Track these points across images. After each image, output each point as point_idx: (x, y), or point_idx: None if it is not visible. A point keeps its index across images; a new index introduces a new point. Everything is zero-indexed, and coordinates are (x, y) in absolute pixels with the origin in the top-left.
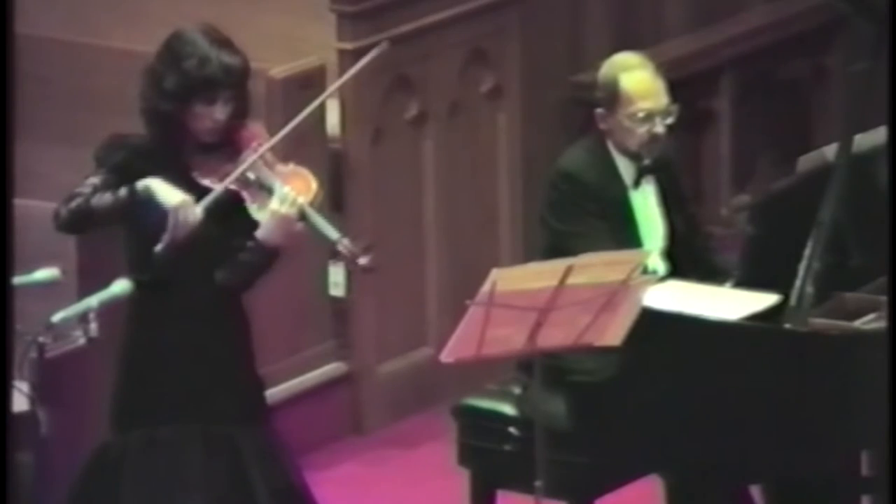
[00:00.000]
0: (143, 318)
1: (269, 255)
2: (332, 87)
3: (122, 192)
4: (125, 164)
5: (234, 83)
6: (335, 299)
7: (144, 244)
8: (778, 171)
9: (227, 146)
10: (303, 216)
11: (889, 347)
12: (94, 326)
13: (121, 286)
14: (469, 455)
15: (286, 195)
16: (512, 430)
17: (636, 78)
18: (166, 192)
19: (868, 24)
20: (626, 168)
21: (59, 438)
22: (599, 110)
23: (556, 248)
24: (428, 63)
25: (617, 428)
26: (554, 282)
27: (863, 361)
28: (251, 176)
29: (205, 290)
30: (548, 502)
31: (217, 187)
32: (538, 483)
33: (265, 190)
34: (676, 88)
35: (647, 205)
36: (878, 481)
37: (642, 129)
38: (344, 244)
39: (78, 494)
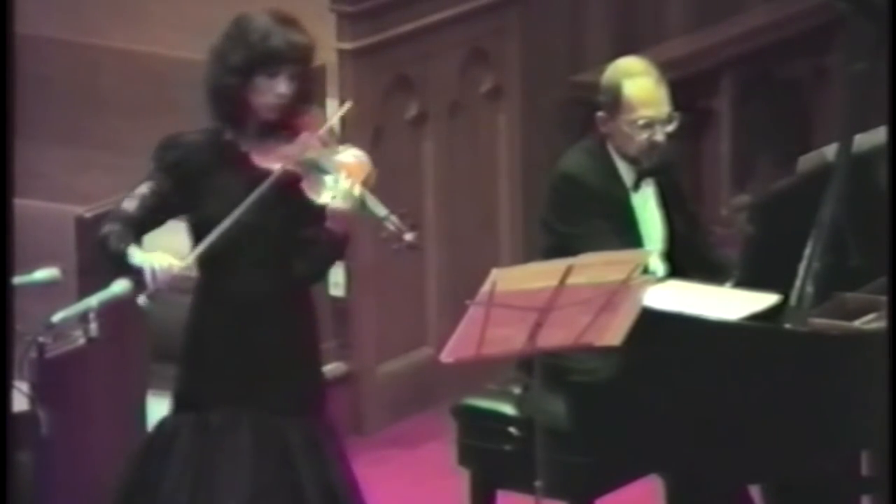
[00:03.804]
0: (205, 305)
1: (339, 244)
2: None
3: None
4: (181, 161)
5: (297, 58)
6: (335, 299)
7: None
8: (778, 171)
9: (287, 130)
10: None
11: (889, 347)
12: (94, 326)
13: (121, 286)
14: (469, 455)
15: (347, 191)
16: (512, 430)
17: (639, 85)
18: (143, 256)
19: (868, 24)
20: (626, 171)
21: (59, 438)
22: (600, 114)
23: (560, 249)
24: (428, 63)
25: (617, 428)
26: (554, 282)
27: (863, 361)
28: (309, 159)
29: (266, 280)
30: (548, 502)
31: (276, 168)
32: (538, 483)
33: (322, 173)
34: (676, 88)
35: (647, 207)
36: (878, 481)
37: (642, 136)
38: (392, 221)
39: (134, 464)
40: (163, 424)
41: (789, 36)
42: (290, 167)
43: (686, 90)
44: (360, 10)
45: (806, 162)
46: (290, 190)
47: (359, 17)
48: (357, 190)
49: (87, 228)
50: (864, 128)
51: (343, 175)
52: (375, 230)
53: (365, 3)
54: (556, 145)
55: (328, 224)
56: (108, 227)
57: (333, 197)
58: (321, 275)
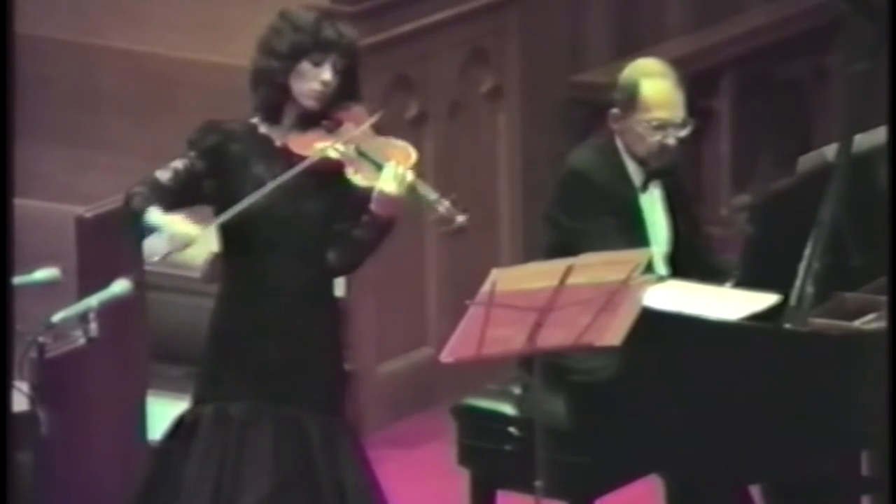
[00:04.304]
0: (234, 297)
1: (384, 230)
2: None
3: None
4: (218, 147)
5: (344, 49)
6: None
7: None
8: (778, 171)
9: (328, 121)
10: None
11: (889, 347)
12: (94, 326)
13: (121, 286)
14: (469, 455)
15: (398, 175)
16: (512, 430)
17: (657, 86)
18: (170, 223)
19: (868, 24)
20: (634, 171)
21: (59, 438)
22: (614, 111)
23: (565, 245)
24: (428, 63)
25: (617, 428)
26: (554, 282)
27: (863, 361)
28: (355, 147)
29: (300, 273)
30: (548, 502)
31: (311, 154)
32: (538, 483)
33: (369, 160)
34: None
35: (654, 209)
36: (878, 481)
37: (654, 138)
38: (443, 204)
39: (156, 459)
40: (182, 418)
41: (789, 36)
42: (333, 154)
43: (686, 90)
44: (360, 10)
45: (806, 162)
46: (328, 180)
47: (359, 17)
48: (409, 175)
49: (87, 228)
50: (864, 128)
51: (393, 161)
52: (425, 213)
53: (365, 3)
54: (556, 145)
55: (374, 208)
56: (137, 189)
57: (384, 182)
58: (361, 262)
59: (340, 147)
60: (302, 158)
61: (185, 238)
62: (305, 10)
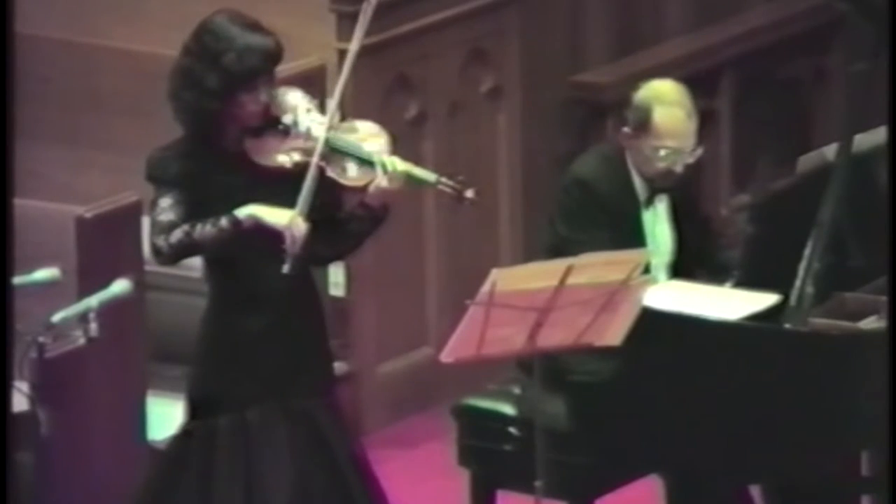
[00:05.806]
0: (229, 306)
1: (381, 219)
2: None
3: (224, 223)
4: (185, 173)
5: (273, 66)
6: (335, 299)
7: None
8: (778, 171)
9: (281, 125)
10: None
11: (889, 347)
12: (94, 326)
13: (121, 286)
14: (469, 455)
15: (392, 168)
16: (512, 430)
17: (670, 114)
18: (272, 215)
19: (868, 24)
20: (640, 185)
21: (59, 438)
22: (626, 129)
23: (558, 250)
24: (428, 63)
25: (617, 428)
26: (554, 282)
27: (863, 361)
28: (338, 147)
29: (295, 275)
30: (548, 502)
31: (310, 168)
32: (538, 483)
33: (348, 157)
34: None
35: (657, 222)
36: (878, 481)
37: (661, 164)
38: (444, 183)
39: (163, 478)
40: (190, 432)
41: (789, 36)
42: (319, 161)
43: (686, 90)
44: (359, 10)
45: (806, 162)
46: (300, 180)
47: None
48: (401, 165)
49: (87, 228)
50: (864, 128)
51: (382, 157)
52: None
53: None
54: (556, 145)
55: (369, 202)
56: (171, 236)
57: (380, 179)
58: (355, 250)
59: (314, 148)
60: (270, 165)
61: (302, 230)
62: (225, 26)
